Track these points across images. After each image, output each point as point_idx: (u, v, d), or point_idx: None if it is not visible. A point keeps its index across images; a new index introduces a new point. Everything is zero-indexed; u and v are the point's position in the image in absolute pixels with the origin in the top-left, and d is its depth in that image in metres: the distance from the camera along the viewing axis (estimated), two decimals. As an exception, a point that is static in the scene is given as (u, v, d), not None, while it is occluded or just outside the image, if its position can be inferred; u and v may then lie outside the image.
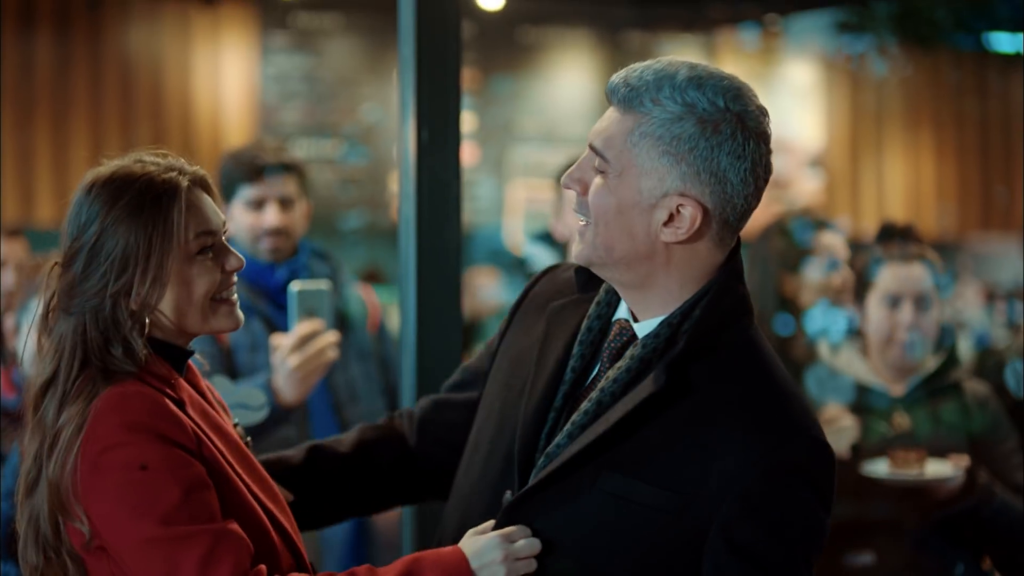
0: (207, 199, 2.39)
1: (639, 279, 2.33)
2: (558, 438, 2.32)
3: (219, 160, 4.35)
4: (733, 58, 10.91)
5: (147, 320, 2.30)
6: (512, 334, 2.60)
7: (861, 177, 11.78)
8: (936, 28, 10.27)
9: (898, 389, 3.99)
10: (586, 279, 2.49)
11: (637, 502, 2.21)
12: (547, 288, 2.59)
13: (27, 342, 3.95)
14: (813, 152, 11.53)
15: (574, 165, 2.36)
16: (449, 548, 2.27)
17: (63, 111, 9.16)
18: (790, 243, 4.91)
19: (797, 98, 11.37)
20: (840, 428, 3.93)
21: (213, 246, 2.37)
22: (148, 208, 2.29)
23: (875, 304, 4.02)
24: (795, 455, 2.21)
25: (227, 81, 9.73)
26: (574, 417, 2.32)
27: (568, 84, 10.52)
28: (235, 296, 2.41)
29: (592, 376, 2.39)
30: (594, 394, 2.32)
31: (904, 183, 11.89)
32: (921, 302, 3.96)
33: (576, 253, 2.38)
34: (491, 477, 2.42)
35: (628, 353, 2.32)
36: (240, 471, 2.34)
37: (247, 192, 4.15)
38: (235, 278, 2.40)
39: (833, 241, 4.95)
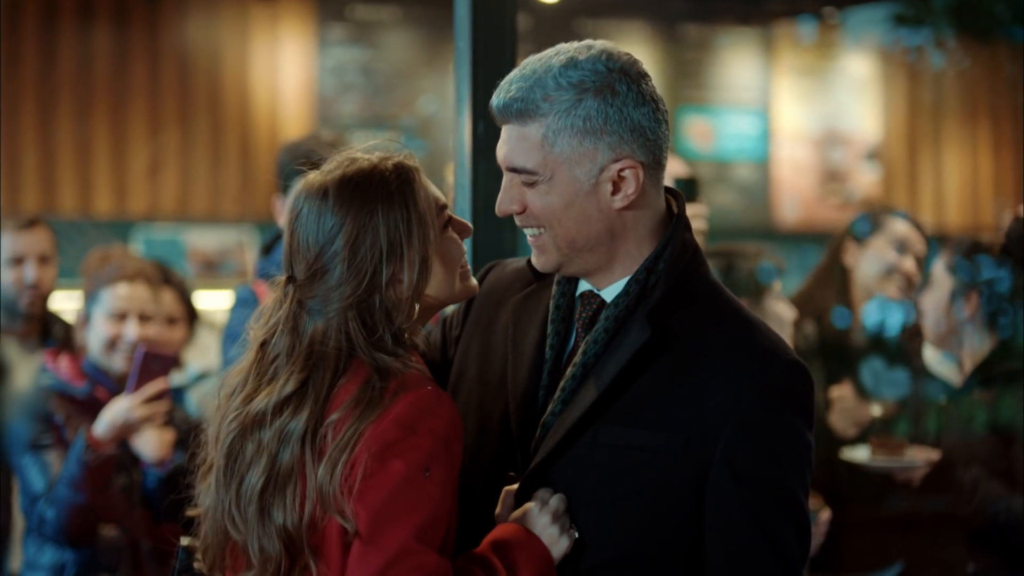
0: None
1: (605, 258, 2.43)
2: (552, 406, 2.40)
3: (276, 153, 4.37)
4: (790, 51, 10.84)
5: (416, 306, 2.35)
6: (470, 333, 2.66)
7: (918, 171, 11.71)
8: (994, 21, 10.20)
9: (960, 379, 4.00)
10: None
11: (638, 447, 2.31)
12: (497, 285, 2.67)
13: (97, 331, 4.03)
14: (870, 145, 11.47)
15: (500, 194, 2.44)
16: (504, 527, 2.32)
17: (121, 104, 9.21)
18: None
19: (854, 91, 11.32)
20: (844, 408, 3.96)
21: (450, 217, 2.44)
22: (397, 195, 2.34)
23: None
24: (781, 378, 2.34)
25: (285, 74, 9.78)
26: (563, 383, 2.41)
27: (624, 77, 10.48)
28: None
29: (569, 349, 2.48)
30: (577, 358, 2.41)
31: (961, 177, 11.81)
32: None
33: (541, 264, 2.47)
34: (486, 467, 2.47)
35: (603, 315, 2.42)
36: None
37: None
38: None
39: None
